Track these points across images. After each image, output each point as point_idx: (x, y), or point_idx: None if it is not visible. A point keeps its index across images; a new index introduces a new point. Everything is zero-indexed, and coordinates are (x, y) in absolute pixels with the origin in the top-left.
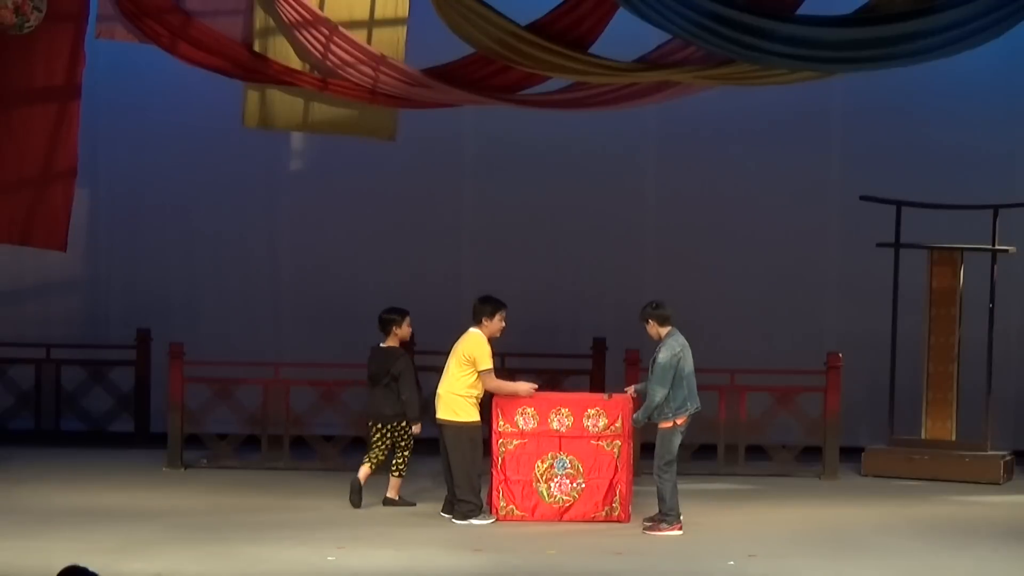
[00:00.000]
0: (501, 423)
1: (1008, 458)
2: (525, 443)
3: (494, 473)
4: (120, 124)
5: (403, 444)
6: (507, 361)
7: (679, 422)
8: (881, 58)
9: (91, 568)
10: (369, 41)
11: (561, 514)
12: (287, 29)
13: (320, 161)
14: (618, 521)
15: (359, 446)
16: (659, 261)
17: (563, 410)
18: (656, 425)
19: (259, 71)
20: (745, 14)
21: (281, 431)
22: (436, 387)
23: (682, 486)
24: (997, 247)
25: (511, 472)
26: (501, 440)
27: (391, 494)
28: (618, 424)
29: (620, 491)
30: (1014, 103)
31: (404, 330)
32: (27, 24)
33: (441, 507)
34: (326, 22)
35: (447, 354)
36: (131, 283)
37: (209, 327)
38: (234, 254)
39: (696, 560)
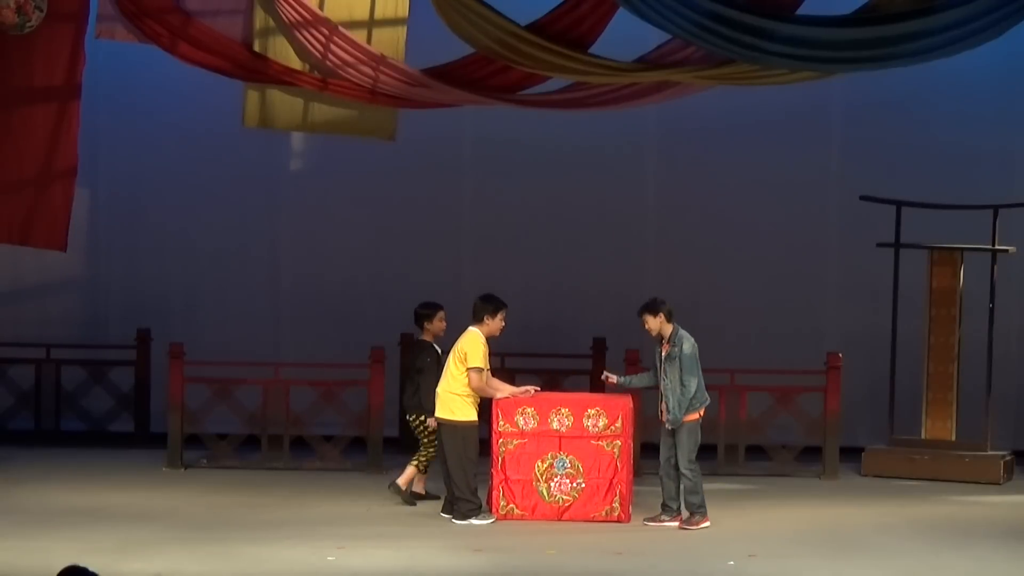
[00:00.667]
0: (501, 423)
1: (1008, 458)
2: (525, 443)
3: (494, 473)
4: (120, 124)
5: (425, 440)
6: (507, 361)
7: (702, 413)
8: (881, 58)
9: (91, 568)
10: (369, 41)
11: (561, 514)
12: (287, 29)
13: (320, 161)
14: (618, 521)
15: (359, 446)
16: (659, 261)
17: (563, 410)
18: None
19: (259, 71)
20: (745, 14)
21: (281, 431)
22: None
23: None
24: (997, 247)
25: (511, 472)
26: (501, 440)
27: (400, 481)
28: (618, 424)
29: (620, 491)
30: (1014, 103)
31: (436, 325)
32: (28, 24)
33: (441, 507)
34: (326, 22)
35: (446, 353)
36: (131, 283)
37: (209, 327)
38: (234, 254)
39: (696, 560)
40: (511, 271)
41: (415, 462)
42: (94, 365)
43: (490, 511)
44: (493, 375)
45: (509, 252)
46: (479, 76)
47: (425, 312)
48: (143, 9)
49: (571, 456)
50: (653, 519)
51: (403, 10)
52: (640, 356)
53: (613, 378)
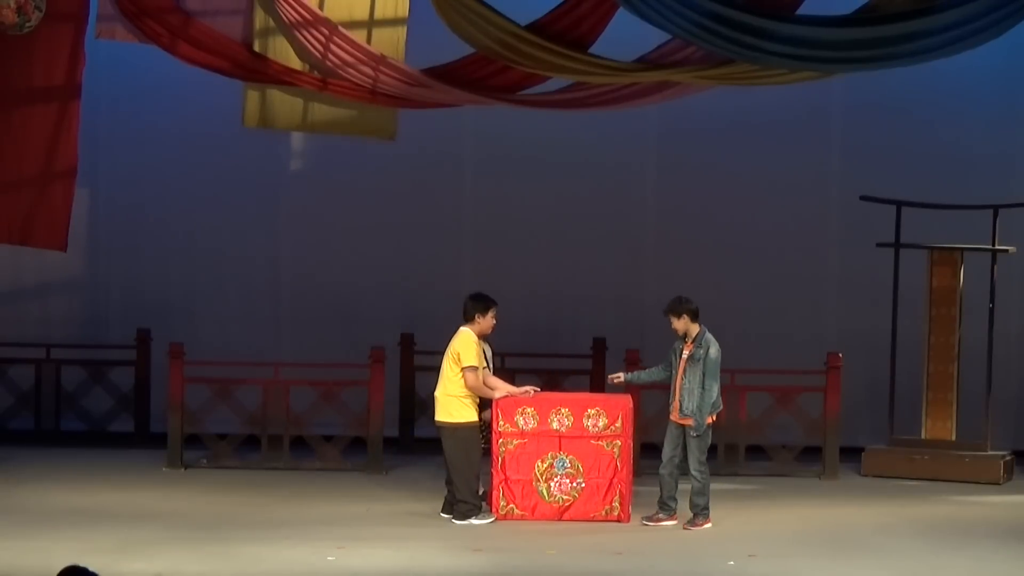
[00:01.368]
0: (501, 423)
1: (1008, 458)
2: (525, 443)
3: (494, 473)
4: (120, 124)
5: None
6: (507, 361)
7: (716, 417)
8: (881, 58)
9: (91, 568)
10: (369, 41)
11: (561, 514)
12: (287, 29)
13: (320, 161)
14: (618, 521)
15: (359, 446)
16: (659, 261)
17: (563, 410)
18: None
19: (259, 71)
20: (745, 14)
21: (281, 431)
22: (434, 388)
23: (683, 486)
24: (997, 247)
25: (511, 472)
26: (501, 440)
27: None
28: (618, 424)
29: (620, 491)
30: (1014, 103)
31: (485, 322)
32: (28, 23)
33: (441, 507)
34: (326, 22)
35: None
36: (131, 283)
37: (209, 327)
38: (234, 254)
39: (696, 560)
40: (511, 271)
41: None
42: (94, 365)
43: (490, 511)
44: (494, 374)
45: (509, 252)
46: (479, 76)
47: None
48: (143, 9)
49: (571, 456)
50: (651, 518)
51: (403, 10)
52: (640, 356)
53: (620, 377)
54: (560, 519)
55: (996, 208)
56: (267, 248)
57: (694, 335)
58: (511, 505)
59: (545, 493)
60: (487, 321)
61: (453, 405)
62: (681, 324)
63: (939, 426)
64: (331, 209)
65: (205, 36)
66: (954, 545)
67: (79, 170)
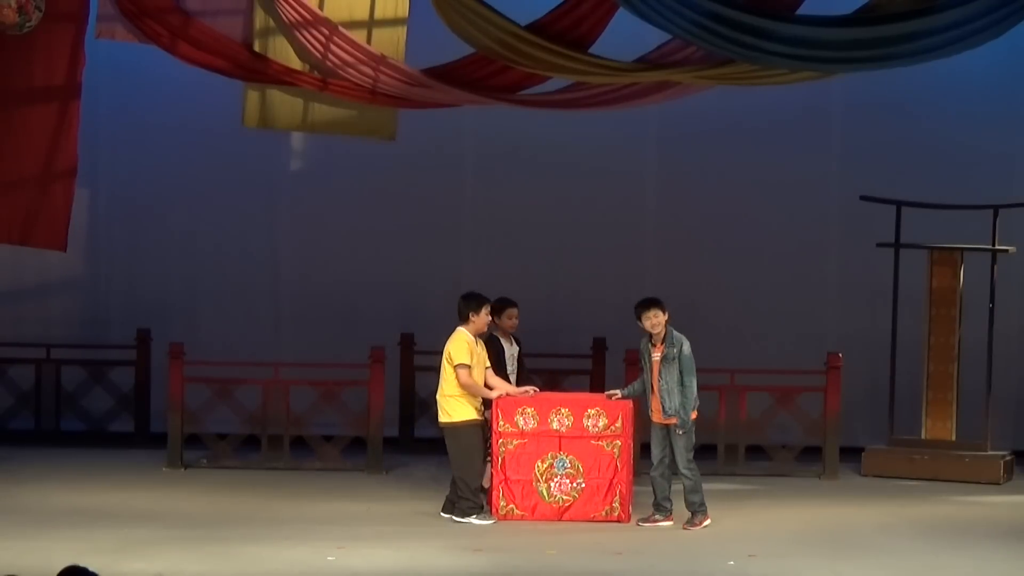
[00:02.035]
0: (501, 423)
1: (1008, 458)
2: (525, 443)
3: (494, 473)
4: (120, 124)
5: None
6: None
7: (697, 412)
8: (881, 58)
9: (91, 568)
10: (369, 41)
11: (561, 514)
12: (287, 29)
13: (320, 161)
14: (618, 521)
15: (359, 446)
16: (659, 261)
17: (563, 410)
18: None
19: (259, 71)
20: (745, 14)
21: (281, 431)
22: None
23: (675, 487)
24: (997, 247)
25: (511, 472)
26: (501, 440)
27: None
28: (618, 424)
29: (620, 491)
30: (1014, 103)
31: (505, 322)
32: (28, 23)
33: (442, 507)
34: (326, 22)
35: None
36: (131, 283)
37: (209, 327)
38: (234, 254)
39: (696, 560)
40: (511, 271)
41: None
42: (94, 365)
43: (490, 511)
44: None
45: (509, 252)
46: (479, 76)
47: (498, 306)
48: (143, 9)
49: (571, 456)
50: (647, 519)
51: (403, 10)
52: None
53: (617, 394)
54: (560, 519)
55: (996, 208)
56: (267, 248)
57: (663, 335)
58: (511, 505)
59: (545, 493)
60: (481, 318)
61: (450, 404)
62: (662, 319)
63: (939, 426)
64: (331, 209)
65: (205, 36)
66: (954, 545)
67: (79, 170)
